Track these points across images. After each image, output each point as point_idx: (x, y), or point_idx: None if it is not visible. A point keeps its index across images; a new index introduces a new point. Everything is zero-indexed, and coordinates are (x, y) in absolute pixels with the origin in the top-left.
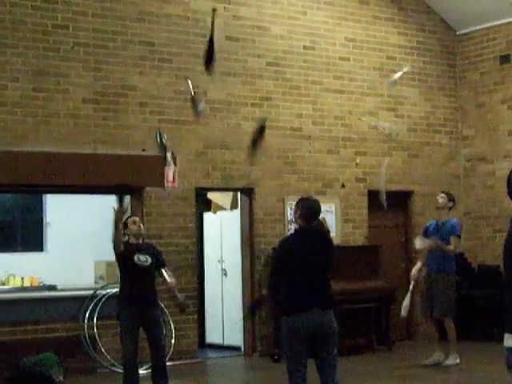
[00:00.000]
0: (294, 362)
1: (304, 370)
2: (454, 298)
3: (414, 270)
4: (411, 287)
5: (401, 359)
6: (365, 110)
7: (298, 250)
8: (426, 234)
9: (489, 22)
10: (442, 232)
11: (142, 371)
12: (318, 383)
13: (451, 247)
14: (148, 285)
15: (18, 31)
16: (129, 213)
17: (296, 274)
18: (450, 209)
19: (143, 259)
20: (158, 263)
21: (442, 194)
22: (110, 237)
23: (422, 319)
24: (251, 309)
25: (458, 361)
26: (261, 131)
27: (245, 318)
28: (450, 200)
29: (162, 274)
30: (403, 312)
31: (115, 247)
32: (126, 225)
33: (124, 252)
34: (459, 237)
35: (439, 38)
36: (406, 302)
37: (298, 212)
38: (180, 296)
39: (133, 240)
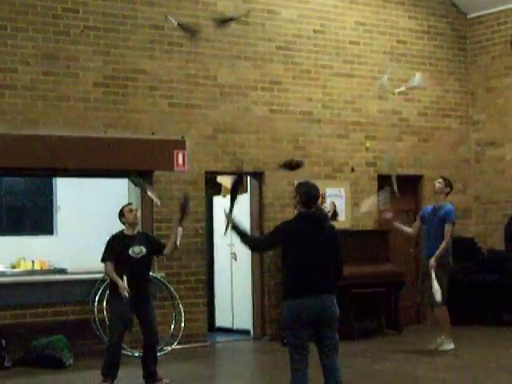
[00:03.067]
0: (296, 346)
1: (306, 354)
2: (446, 284)
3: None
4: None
5: (410, 343)
6: (375, 94)
7: (299, 234)
8: (423, 218)
9: (500, 5)
10: (437, 217)
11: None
12: (318, 368)
13: (444, 244)
14: (142, 275)
15: (28, 15)
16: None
17: (297, 258)
18: (447, 194)
19: (137, 251)
20: (159, 247)
21: (440, 180)
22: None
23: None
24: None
25: (452, 346)
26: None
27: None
28: (446, 186)
29: (167, 251)
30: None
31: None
32: (122, 213)
33: (118, 248)
34: (453, 223)
35: (450, 21)
36: (370, 201)
37: (298, 197)
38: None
39: (128, 230)
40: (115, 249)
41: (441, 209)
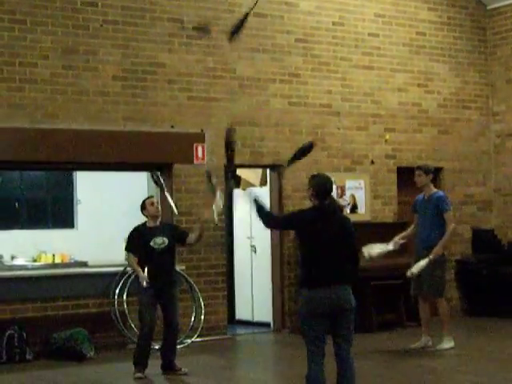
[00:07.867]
0: (312, 337)
1: (322, 345)
2: (443, 276)
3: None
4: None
5: (430, 335)
6: (394, 86)
7: (312, 225)
8: (415, 208)
9: None
10: (429, 207)
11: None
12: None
13: (447, 236)
14: (166, 265)
15: (47, 9)
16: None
17: (312, 249)
18: (433, 180)
19: (159, 242)
20: (182, 236)
21: (418, 172)
22: None
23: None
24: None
25: (452, 344)
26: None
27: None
28: (427, 173)
29: (191, 240)
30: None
31: None
32: (144, 206)
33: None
34: (450, 210)
35: (469, 12)
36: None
37: (311, 190)
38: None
39: (150, 222)
40: (135, 241)
41: (431, 198)
